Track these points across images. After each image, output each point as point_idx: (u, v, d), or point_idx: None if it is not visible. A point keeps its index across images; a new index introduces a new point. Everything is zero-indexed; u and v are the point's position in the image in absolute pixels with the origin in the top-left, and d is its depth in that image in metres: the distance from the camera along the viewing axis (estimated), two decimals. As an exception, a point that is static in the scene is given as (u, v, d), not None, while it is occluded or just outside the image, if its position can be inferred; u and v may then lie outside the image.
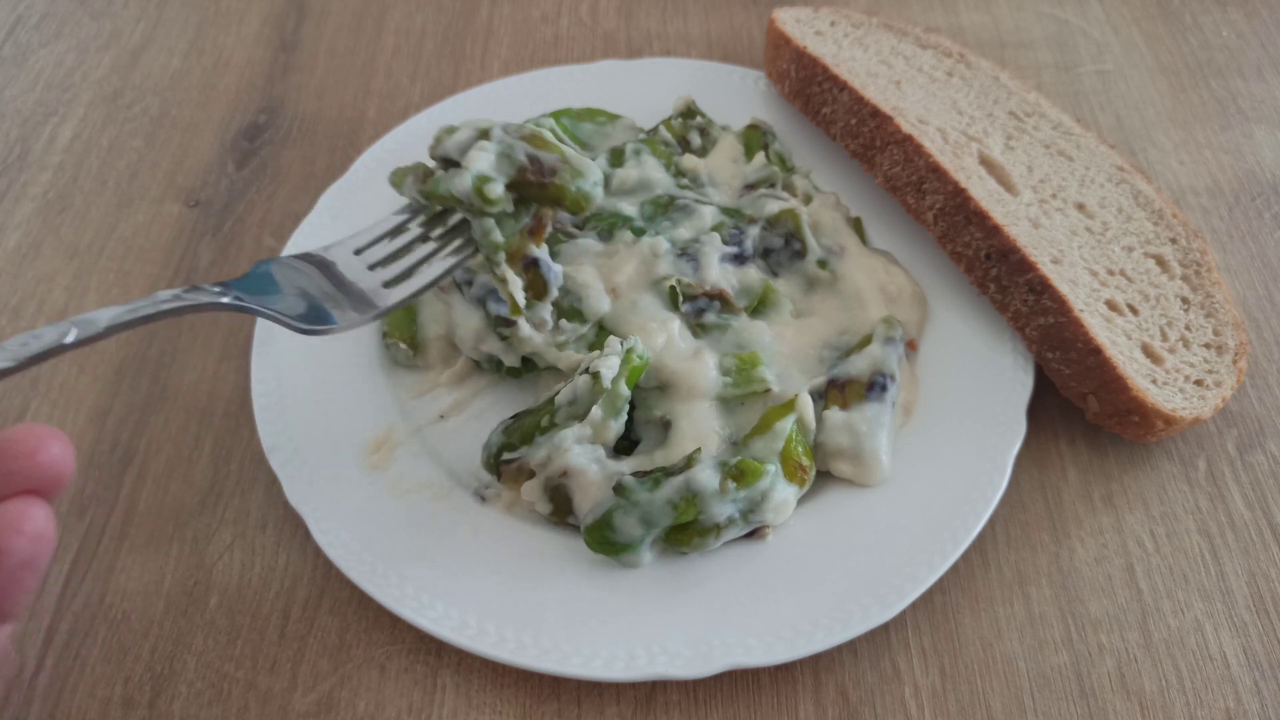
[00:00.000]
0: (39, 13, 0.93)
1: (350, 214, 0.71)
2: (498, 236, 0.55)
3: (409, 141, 0.75)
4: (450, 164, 0.55)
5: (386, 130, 0.79)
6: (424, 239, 0.57)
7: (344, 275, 0.54)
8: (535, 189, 0.55)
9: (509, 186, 0.55)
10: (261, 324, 0.65)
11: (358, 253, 0.56)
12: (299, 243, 0.69)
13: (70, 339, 0.41)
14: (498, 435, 0.58)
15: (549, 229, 0.58)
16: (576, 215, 0.58)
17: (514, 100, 0.78)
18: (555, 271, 0.59)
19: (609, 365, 0.56)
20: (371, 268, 0.55)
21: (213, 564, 0.58)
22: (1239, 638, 0.54)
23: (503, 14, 0.91)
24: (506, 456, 0.57)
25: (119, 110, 0.84)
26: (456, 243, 0.56)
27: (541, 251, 0.58)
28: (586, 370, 0.56)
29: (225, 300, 0.49)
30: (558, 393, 0.57)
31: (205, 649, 0.55)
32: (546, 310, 0.59)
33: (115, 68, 0.88)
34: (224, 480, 0.61)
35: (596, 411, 0.56)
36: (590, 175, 0.55)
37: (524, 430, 0.57)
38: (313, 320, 0.51)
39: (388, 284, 0.54)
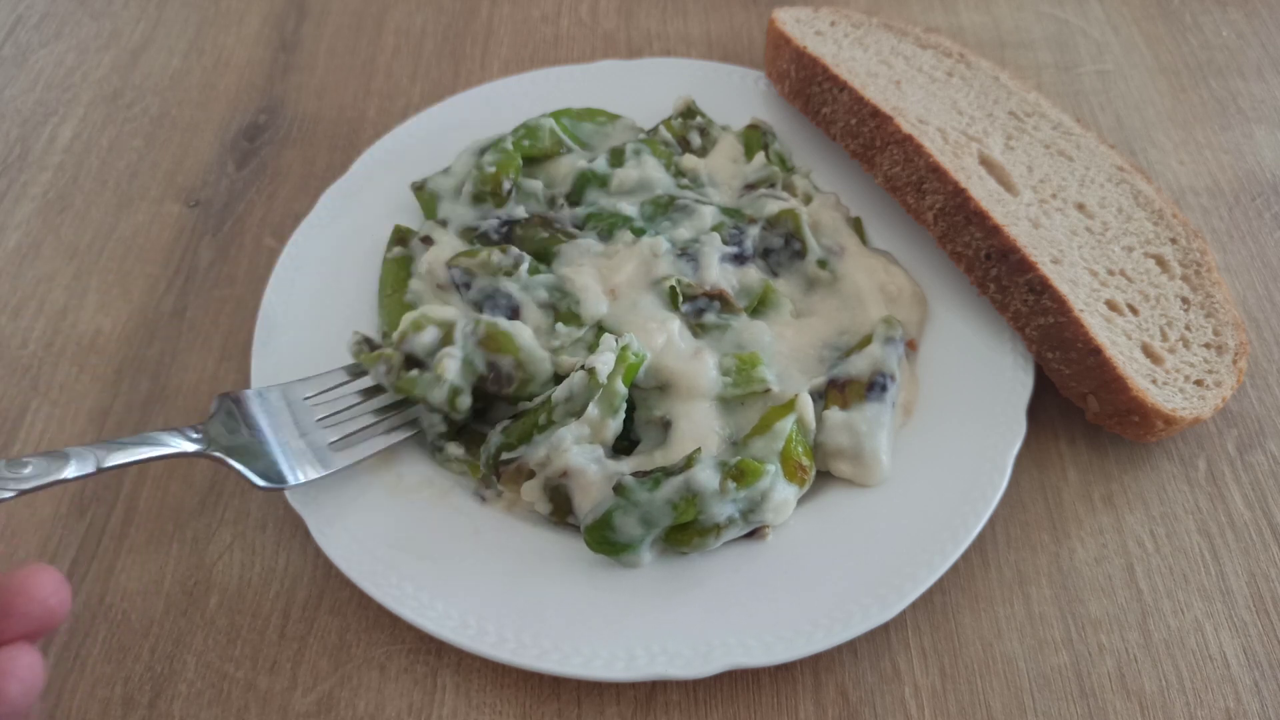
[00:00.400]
0: (39, 13, 0.93)
1: (350, 214, 0.71)
2: (442, 427, 0.60)
3: (409, 142, 0.75)
4: (413, 360, 0.58)
5: (386, 130, 0.79)
6: (369, 400, 0.60)
7: (303, 423, 0.58)
8: (492, 394, 0.59)
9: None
10: (263, 322, 0.65)
11: (307, 399, 0.59)
12: (299, 242, 0.69)
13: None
14: (497, 435, 0.58)
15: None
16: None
17: (514, 100, 0.78)
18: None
19: (604, 361, 0.56)
20: (319, 421, 0.58)
21: (213, 564, 0.58)
22: (1239, 638, 0.54)
23: (503, 14, 0.91)
24: (506, 457, 0.57)
25: (119, 110, 0.84)
26: (401, 417, 0.60)
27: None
28: (582, 367, 0.56)
29: (190, 450, 0.53)
30: (554, 390, 0.57)
31: (205, 649, 0.55)
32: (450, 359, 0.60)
33: (115, 68, 0.88)
34: (224, 480, 0.61)
35: (593, 410, 0.56)
36: (540, 377, 0.59)
37: (522, 429, 0.57)
38: (274, 478, 0.55)
39: (334, 444, 0.57)
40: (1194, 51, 0.86)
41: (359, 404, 0.59)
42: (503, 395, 0.59)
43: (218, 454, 0.54)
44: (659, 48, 0.88)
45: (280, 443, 0.56)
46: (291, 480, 0.55)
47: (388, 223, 0.70)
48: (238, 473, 0.54)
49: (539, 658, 0.51)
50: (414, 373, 0.57)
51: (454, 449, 0.60)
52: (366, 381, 0.60)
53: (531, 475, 0.56)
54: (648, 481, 0.54)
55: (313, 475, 0.56)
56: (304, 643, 0.55)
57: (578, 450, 0.55)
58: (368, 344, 0.59)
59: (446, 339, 0.58)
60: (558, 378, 0.59)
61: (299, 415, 0.58)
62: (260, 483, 0.54)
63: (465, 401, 0.58)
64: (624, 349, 0.57)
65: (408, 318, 0.58)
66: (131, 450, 0.51)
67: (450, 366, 0.57)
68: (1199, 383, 0.60)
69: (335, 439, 0.57)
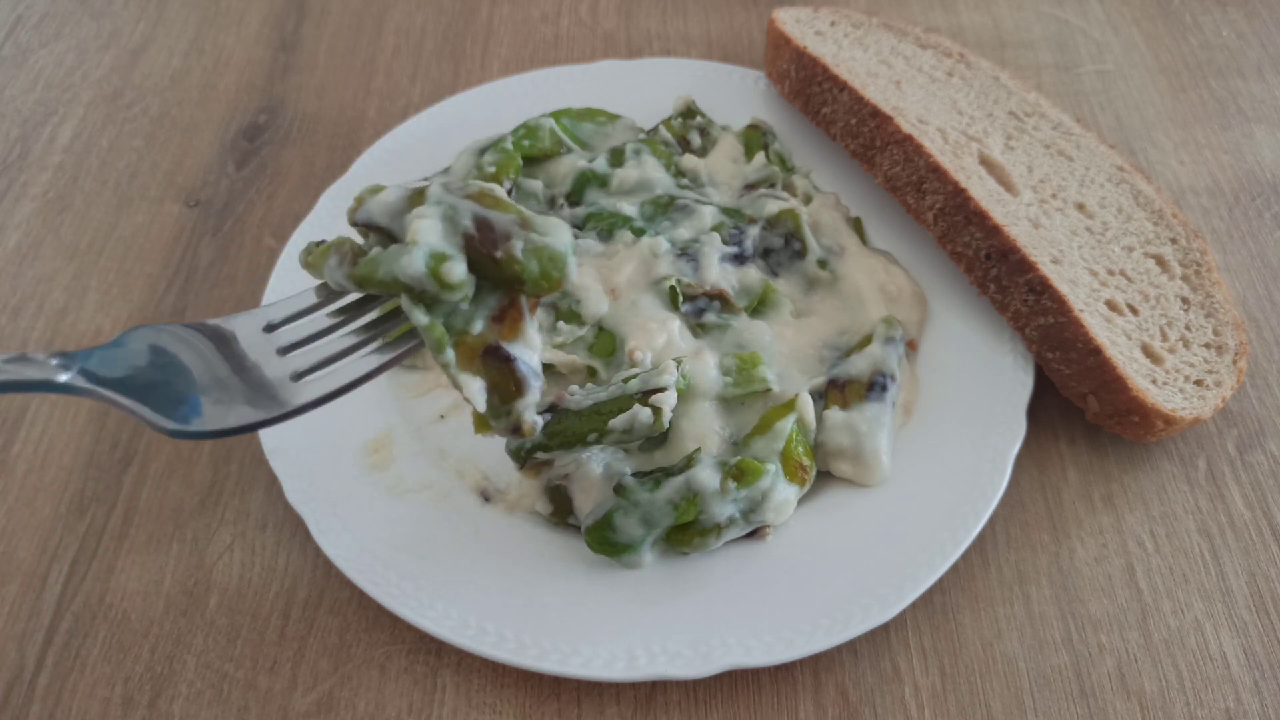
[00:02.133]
0: (39, 13, 0.93)
1: (350, 214, 0.71)
2: (442, 331, 0.42)
3: (409, 141, 0.75)
4: (380, 234, 0.43)
5: (386, 130, 0.79)
6: (351, 324, 0.45)
7: (245, 355, 0.43)
8: (486, 264, 0.42)
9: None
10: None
11: (269, 329, 0.44)
12: (299, 242, 0.69)
13: None
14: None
15: (525, 316, 0.44)
16: (543, 296, 0.44)
17: (514, 100, 0.78)
18: (531, 365, 0.45)
19: (669, 401, 0.53)
20: (282, 352, 0.44)
21: (213, 564, 0.58)
22: (1239, 638, 0.54)
23: (503, 14, 0.91)
24: (541, 456, 0.55)
25: (119, 110, 0.84)
26: (393, 329, 0.45)
27: (515, 344, 0.44)
28: (646, 402, 0.53)
29: (62, 380, 0.38)
30: (613, 420, 0.54)
31: (205, 649, 0.55)
32: (530, 409, 0.46)
33: (115, 68, 0.88)
34: (224, 480, 0.61)
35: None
36: (556, 237, 0.43)
37: (566, 436, 0.55)
38: (179, 415, 0.40)
39: (298, 375, 0.43)
40: (1194, 51, 0.86)
41: (334, 326, 0.45)
42: (499, 266, 0.42)
43: (97, 389, 0.39)
44: (659, 48, 0.88)
45: (211, 375, 0.42)
46: (204, 416, 0.40)
47: (388, 223, 0.70)
48: (133, 413, 0.40)
49: (539, 658, 0.51)
50: (375, 250, 0.42)
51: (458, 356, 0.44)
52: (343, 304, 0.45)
53: (550, 467, 0.56)
54: (648, 482, 0.54)
55: (256, 416, 0.41)
56: (304, 643, 0.55)
57: (598, 454, 0.55)
58: (317, 244, 0.46)
59: (416, 201, 0.43)
60: (559, 377, 0.57)
61: (252, 344, 0.44)
62: (167, 425, 0.40)
63: (456, 270, 0.41)
64: (679, 376, 0.56)
65: (363, 189, 0.45)
66: None
67: (423, 226, 0.41)
68: (1199, 383, 0.60)
69: (301, 369, 0.44)
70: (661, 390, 0.54)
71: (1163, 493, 0.60)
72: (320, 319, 0.45)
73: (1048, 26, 0.89)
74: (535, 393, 0.45)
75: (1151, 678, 0.53)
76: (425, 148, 0.75)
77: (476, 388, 0.44)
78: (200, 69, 0.87)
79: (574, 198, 0.71)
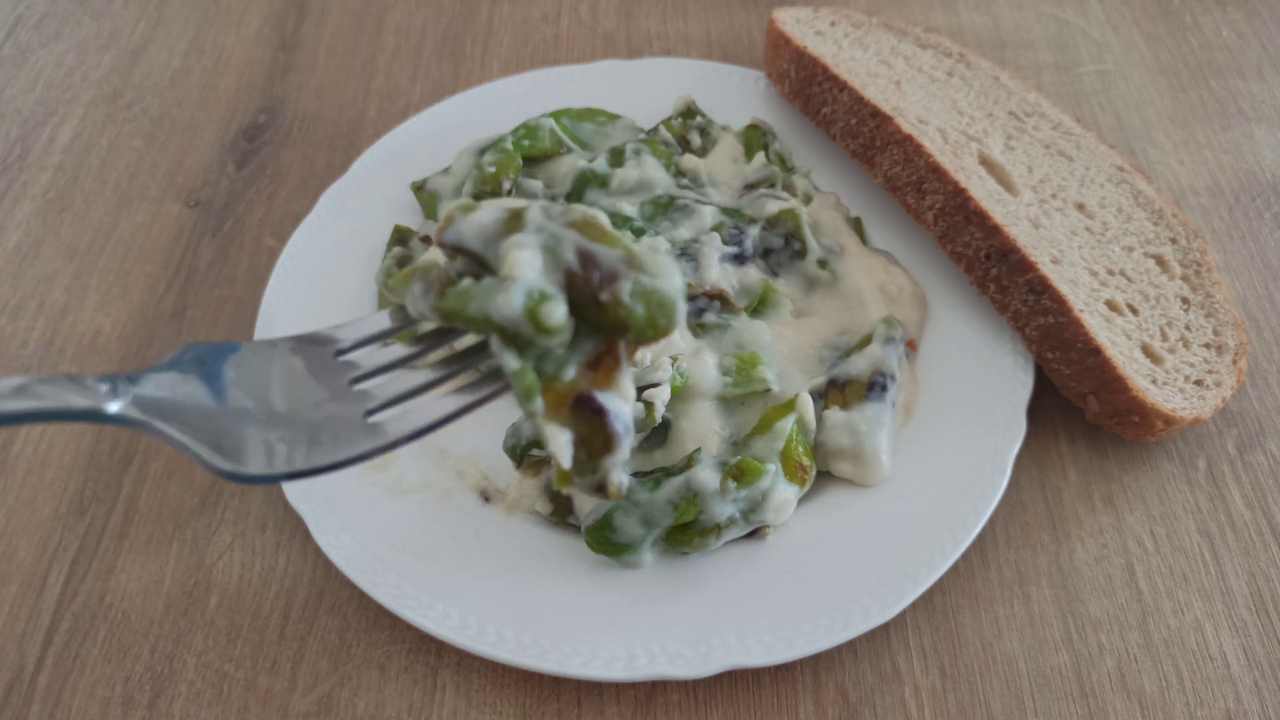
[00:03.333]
0: (39, 13, 0.93)
1: (350, 214, 0.71)
2: (533, 379, 0.38)
3: (409, 141, 0.75)
4: (469, 258, 0.39)
5: (386, 130, 0.79)
6: (429, 354, 0.41)
7: (312, 383, 0.39)
8: (588, 306, 0.37)
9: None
10: (263, 322, 0.65)
11: (340, 354, 0.40)
12: (299, 242, 0.69)
13: None
14: (530, 428, 0.57)
15: (622, 365, 0.39)
16: (647, 345, 0.40)
17: (514, 100, 0.78)
18: (624, 420, 0.40)
19: (663, 396, 0.54)
20: (353, 382, 0.39)
21: (213, 564, 0.58)
22: (1239, 638, 0.54)
23: (503, 14, 0.91)
24: (536, 453, 0.56)
25: (119, 110, 0.84)
26: (476, 364, 0.41)
27: (608, 394, 0.39)
28: (639, 397, 0.54)
29: (112, 410, 0.34)
30: None
31: (205, 649, 0.55)
32: (617, 470, 0.40)
33: (115, 68, 0.88)
34: (224, 480, 0.61)
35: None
36: (667, 281, 0.38)
37: None
38: (239, 454, 0.36)
39: (370, 412, 0.39)
40: (1194, 51, 0.86)
41: (410, 356, 0.41)
42: (604, 310, 0.37)
43: (152, 421, 0.34)
44: (659, 48, 0.88)
45: (276, 410, 0.37)
46: (281, 465, 0.36)
47: (387, 223, 0.70)
48: (188, 451, 0.35)
49: (539, 658, 0.51)
50: (465, 282, 0.38)
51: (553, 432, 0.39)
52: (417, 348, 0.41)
53: (548, 465, 0.56)
54: (648, 482, 0.54)
55: (324, 459, 0.37)
56: (304, 643, 0.55)
57: None
58: (399, 265, 0.41)
59: (513, 225, 0.38)
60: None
61: (326, 371, 0.39)
62: (227, 468, 0.35)
63: (557, 312, 0.37)
64: (675, 373, 0.56)
65: (453, 204, 0.40)
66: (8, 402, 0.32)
67: (521, 258, 0.36)
68: (1199, 383, 0.60)
69: (373, 406, 0.39)
70: (655, 386, 0.54)
71: (1163, 493, 0.60)
72: (396, 348, 0.41)
73: (1048, 26, 0.89)
74: (625, 450, 0.40)
75: (1151, 678, 0.53)
76: (425, 148, 0.75)
77: (564, 441, 0.39)
78: (200, 69, 0.87)
79: (574, 198, 0.71)
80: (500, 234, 0.38)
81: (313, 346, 0.40)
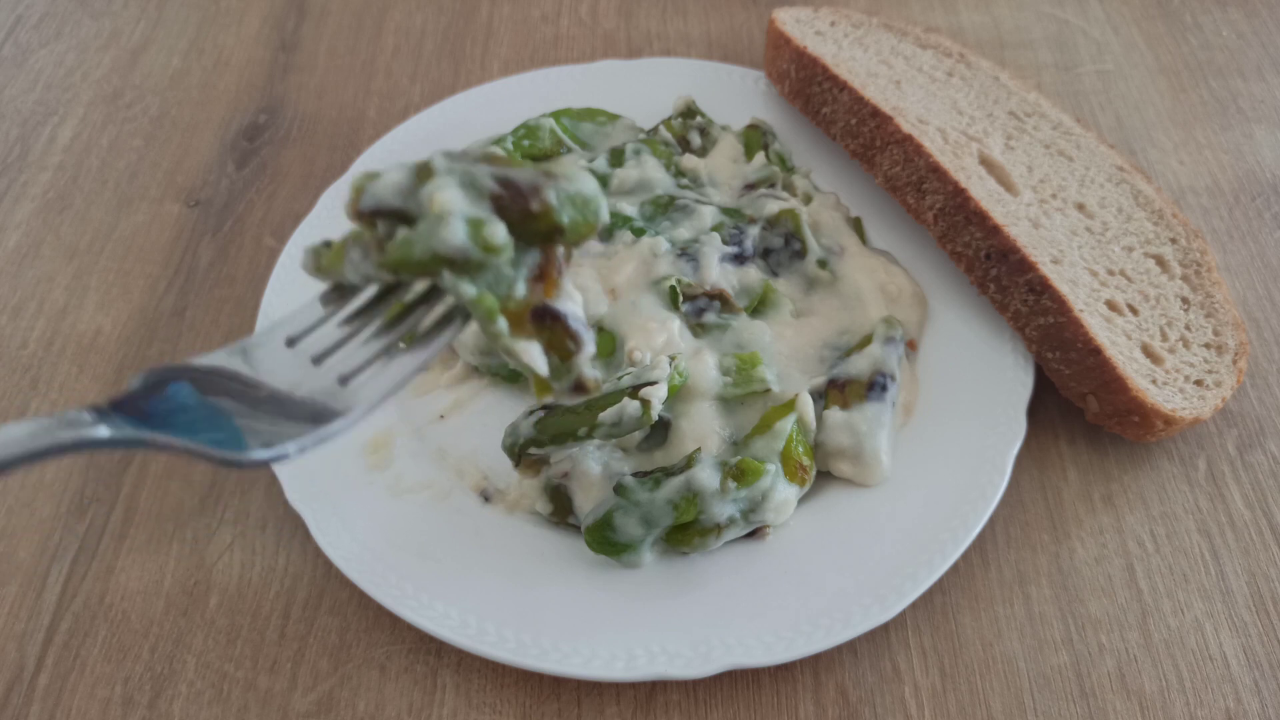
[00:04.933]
0: (39, 13, 0.93)
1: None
2: (492, 300, 0.40)
3: (409, 141, 0.75)
4: (390, 219, 0.40)
5: (386, 130, 0.79)
6: (377, 320, 0.42)
7: (276, 373, 0.40)
8: (522, 221, 0.40)
9: None
10: (263, 322, 0.65)
11: (291, 343, 0.41)
12: (299, 242, 0.69)
13: None
14: (528, 426, 0.57)
15: (563, 271, 0.42)
16: (580, 244, 0.42)
17: (514, 100, 0.78)
18: (580, 318, 0.43)
19: (659, 395, 0.55)
20: (316, 361, 0.40)
21: (213, 564, 0.58)
22: (1239, 638, 0.54)
23: (503, 14, 0.91)
24: (534, 452, 0.56)
25: (119, 110, 0.84)
26: (424, 316, 0.41)
27: (558, 300, 0.42)
28: (636, 395, 0.54)
29: (103, 435, 0.34)
30: (602, 413, 0.54)
31: (205, 649, 0.55)
32: (588, 365, 0.43)
33: (115, 68, 0.88)
34: (224, 480, 0.61)
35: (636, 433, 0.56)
36: (584, 182, 0.41)
37: (557, 431, 0.56)
38: (242, 445, 0.36)
39: (345, 379, 0.40)
40: (1194, 51, 0.86)
41: (355, 331, 0.41)
42: (538, 219, 0.40)
43: (146, 433, 0.35)
44: (659, 48, 0.88)
45: (254, 402, 0.38)
46: (287, 443, 0.37)
47: (388, 223, 0.70)
48: (193, 453, 0.35)
49: (539, 658, 0.51)
50: (402, 231, 0.39)
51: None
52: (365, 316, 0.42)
53: (549, 465, 0.56)
54: (648, 481, 0.54)
55: (328, 429, 0.38)
56: (304, 643, 0.55)
57: (595, 454, 0.55)
58: (325, 246, 0.43)
59: (425, 175, 0.40)
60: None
61: (278, 365, 0.40)
62: (239, 456, 0.36)
63: (499, 231, 0.39)
64: (673, 372, 0.56)
65: (356, 176, 0.42)
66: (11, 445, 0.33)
67: (447, 195, 0.38)
68: (1199, 383, 0.60)
69: (348, 370, 0.40)
70: (652, 384, 0.54)
71: (1163, 493, 0.60)
72: (336, 324, 0.42)
73: (1048, 26, 0.89)
74: (590, 345, 0.43)
75: (1151, 678, 0.53)
76: (425, 148, 0.75)
77: (536, 351, 0.41)
78: (200, 69, 0.87)
79: (574, 198, 0.71)
80: (415, 186, 0.39)
81: (261, 348, 0.41)
